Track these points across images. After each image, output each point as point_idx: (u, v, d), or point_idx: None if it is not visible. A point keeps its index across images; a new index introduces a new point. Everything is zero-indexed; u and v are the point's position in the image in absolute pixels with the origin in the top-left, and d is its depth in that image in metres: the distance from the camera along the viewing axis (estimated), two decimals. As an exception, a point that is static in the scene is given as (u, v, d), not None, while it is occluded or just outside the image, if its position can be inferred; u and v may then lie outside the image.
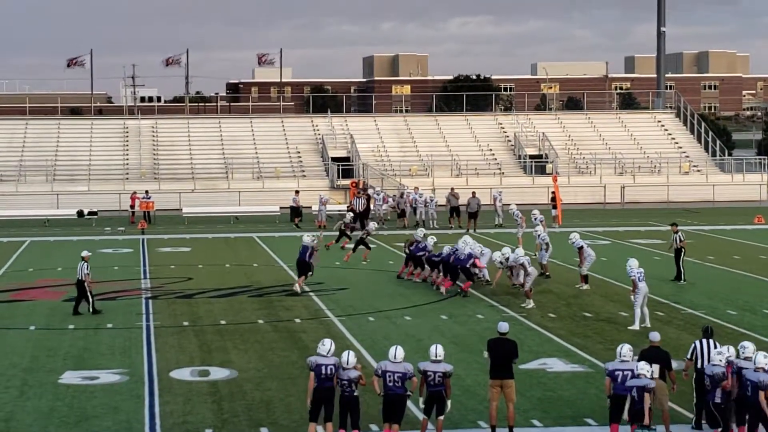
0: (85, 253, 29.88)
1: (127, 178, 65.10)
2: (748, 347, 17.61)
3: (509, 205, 45.38)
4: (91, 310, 29.14)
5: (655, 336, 18.47)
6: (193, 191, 63.67)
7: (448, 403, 17.42)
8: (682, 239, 34.65)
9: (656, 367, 17.90)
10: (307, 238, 33.43)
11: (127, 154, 68.76)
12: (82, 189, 63.41)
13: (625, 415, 16.96)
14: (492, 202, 53.59)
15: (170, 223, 54.75)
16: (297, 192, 55.70)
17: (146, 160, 68.04)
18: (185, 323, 27.83)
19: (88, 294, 29.16)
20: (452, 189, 54.62)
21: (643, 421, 16.64)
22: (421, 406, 17.55)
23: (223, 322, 27.95)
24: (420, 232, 35.62)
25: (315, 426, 17.17)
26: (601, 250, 40.33)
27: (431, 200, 52.73)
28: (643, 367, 17.10)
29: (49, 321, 28.36)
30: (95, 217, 55.97)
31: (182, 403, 20.10)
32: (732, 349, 17.74)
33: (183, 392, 20.88)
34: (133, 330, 27.07)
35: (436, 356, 17.29)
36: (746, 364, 17.25)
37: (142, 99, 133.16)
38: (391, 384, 16.94)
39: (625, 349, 17.39)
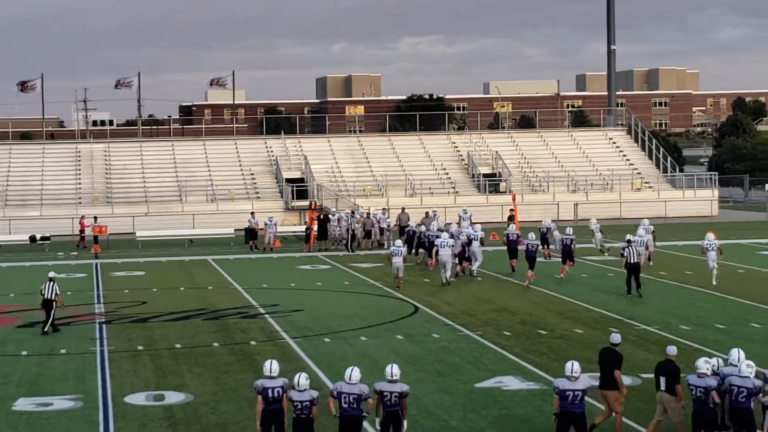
0: (52, 274, 30.60)
1: (80, 203, 64.69)
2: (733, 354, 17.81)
3: (542, 221, 46.64)
4: (46, 329, 29.55)
5: (672, 350, 18.54)
6: (146, 215, 63.38)
7: (405, 423, 17.41)
8: (640, 254, 35.32)
9: (663, 380, 18.05)
10: (464, 235, 40.30)
11: (80, 179, 68.35)
12: (35, 214, 62.96)
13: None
14: (457, 222, 53.58)
15: (124, 247, 54.43)
16: (252, 213, 55.55)
17: (99, 184, 67.66)
18: (140, 347, 27.67)
19: (53, 313, 29.68)
20: (403, 209, 54.77)
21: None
22: (378, 427, 17.53)
23: (178, 345, 27.81)
24: (434, 224, 43.95)
25: (269, 448, 17.13)
26: (554, 267, 40.58)
27: (387, 223, 52.62)
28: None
29: (2, 347, 28.07)
30: (48, 242, 55.53)
31: (137, 428, 19.96)
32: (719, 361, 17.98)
33: (138, 417, 20.74)
34: (87, 355, 26.87)
35: (392, 376, 17.28)
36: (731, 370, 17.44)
37: (95, 123, 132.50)
38: (346, 405, 16.92)
39: (576, 366, 17.45)
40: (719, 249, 36.94)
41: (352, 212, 53.20)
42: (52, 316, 29.81)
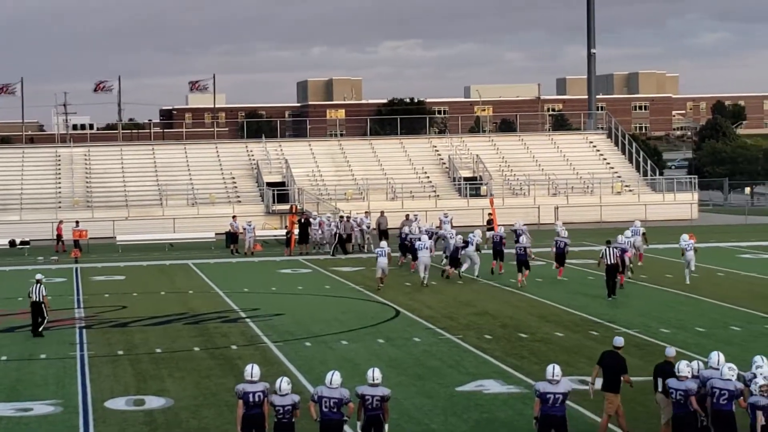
0: (39, 276, 30.71)
1: (60, 207, 64.45)
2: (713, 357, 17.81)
3: (513, 224, 46.47)
4: (40, 330, 29.84)
5: (671, 351, 18.59)
6: (127, 219, 63.20)
7: (386, 427, 17.41)
8: (618, 256, 35.72)
9: (660, 381, 18.13)
10: (459, 237, 40.38)
11: (60, 183, 68.13)
12: (14, 218, 62.70)
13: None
14: (438, 225, 53.64)
15: (104, 251, 54.25)
16: (234, 217, 55.43)
17: (79, 188, 67.44)
18: (120, 352, 27.59)
19: (46, 315, 29.96)
20: (382, 212, 54.83)
21: None
22: (359, 430, 17.52)
23: (158, 350, 27.74)
24: (414, 227, 45.81)
25: (250, 453, 17.10)
26: (535, 270, 40.64)
27: (368, 226, 52.66)
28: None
29: (-19, 353, 27.95)
30: (27, 246, 55.31)
31: (118, 433, 19.91)
32: (701, 364, 17.99)
33: (118, 422, 20.69)
34: (67, 360, 26.78)
35: (373, 380, 17.27)
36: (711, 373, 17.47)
37: (75, 127, 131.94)
38: (326, 410, 16.92)
39: (557, 370, 17.44)
40: (694, 248, 38.25)
41: (340, 217, 53.07)
42: (45, 318, 30.13)
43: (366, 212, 55.67)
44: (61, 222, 56.46)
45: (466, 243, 40.43)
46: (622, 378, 18.77)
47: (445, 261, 41.67)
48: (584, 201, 68.21)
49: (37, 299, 29.98)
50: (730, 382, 16.91)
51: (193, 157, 71.81)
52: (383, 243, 39.96)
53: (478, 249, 40.73)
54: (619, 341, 19.26)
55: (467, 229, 49.39)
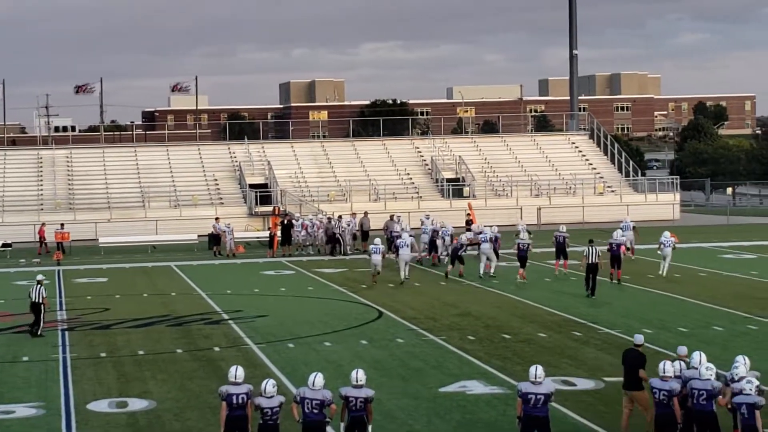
0: (40, 277, 30.81)
1: (42, 209, 64.25)
2: (695, 357, 17.85)
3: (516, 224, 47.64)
4: (39, 332, 29.91)
5: (683, 350, 18.62)
6: (109, 221, 63.04)
7: (369, 428, 17.42)
8: (600, 255, 36.09)
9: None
10: (463, 236, 41.79)
11: (42, 185, 67.92)
12: (-4, 221, 62.49)
13: None
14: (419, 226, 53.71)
15: (86, 253, 54.10)
16: (217, 219, 55.32)
17: (61, 190, 67.25)
18: (102, 354, 27.52)
19: (42, 317, 30.02)
20: (365, 213, 54.87)
21: None
22: (342, 431, 17.53)
23: (141, 352, 27.69)
24: (397, 226, 47.49)
25: (234, 454, 17.09)
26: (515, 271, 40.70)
27: (349, 225, 52.67)
28: (749, 383, 16.67)
29: (-38, 356, 27.85)
30: (9, 248, 55.11)
31: (100, 436, 19.86)
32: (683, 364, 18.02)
33: (101, 424, 20.64)
34: (50, 362, 26.70)
35: (357, 381, 17.27)
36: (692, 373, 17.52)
37: (57, 129, 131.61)
38: (308, 411, 16.93)
39: (540, 371, 17.44)
40: (673, 246, 40.07)
41: (339, 217, 52.98)
42: (42, 320, 30.13)
43: (352, 213, 55.70)
44: (43, 224, 56.30)
45: (477, 243, 41.12)
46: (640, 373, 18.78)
47: (446, 260, 42.51)
48: (566, 202, 68.32)
49: (37, 300, 30.02)
50: (708, 381, 17.00)
51: (175, 159, 71.69)
52: (377, 240, 40.48)
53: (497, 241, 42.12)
54: (638, 339, 19.26)
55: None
